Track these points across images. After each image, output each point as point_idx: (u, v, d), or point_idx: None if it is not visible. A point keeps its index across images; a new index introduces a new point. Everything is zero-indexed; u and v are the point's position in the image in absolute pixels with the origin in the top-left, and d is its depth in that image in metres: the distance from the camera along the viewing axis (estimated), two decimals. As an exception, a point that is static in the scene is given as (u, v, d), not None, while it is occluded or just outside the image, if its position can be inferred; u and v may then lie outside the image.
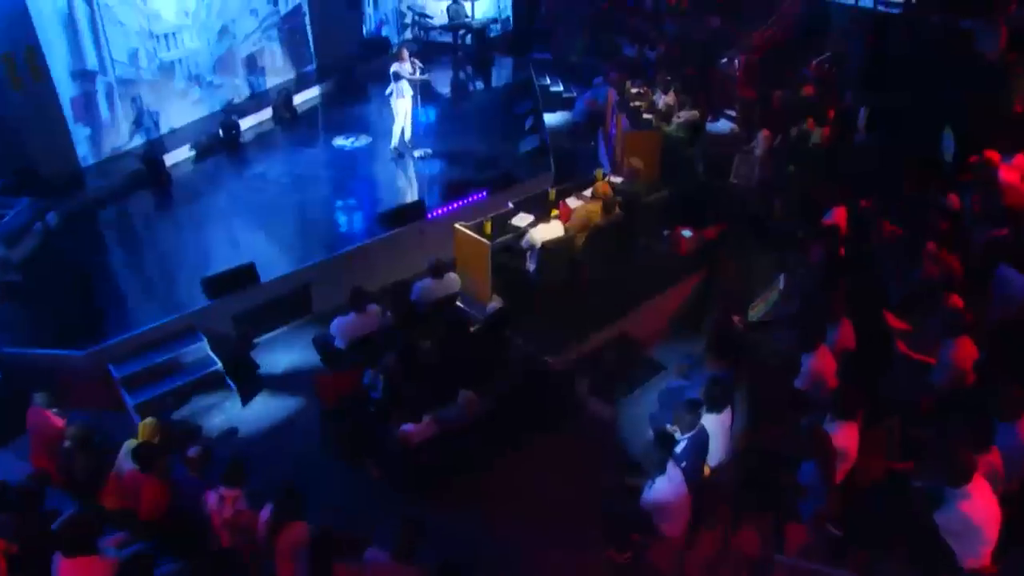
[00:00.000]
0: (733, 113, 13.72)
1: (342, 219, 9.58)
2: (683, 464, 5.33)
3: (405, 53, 10.49)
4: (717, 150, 11.14)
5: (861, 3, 12.09)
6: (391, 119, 10.91)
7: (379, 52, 15.70)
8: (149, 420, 5.57)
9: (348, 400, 6.56)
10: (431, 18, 16.43)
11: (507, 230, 7.61)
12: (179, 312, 7.61)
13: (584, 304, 7.63)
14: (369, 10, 16.03)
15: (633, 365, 7.44)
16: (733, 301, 8.09)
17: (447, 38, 16.57)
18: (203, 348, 7.50)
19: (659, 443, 5.32)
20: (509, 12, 18.09)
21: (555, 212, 7.76)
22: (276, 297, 8.12)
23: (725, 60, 14.54)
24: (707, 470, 5.71)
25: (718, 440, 5.65)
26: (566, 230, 7.49)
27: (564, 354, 7.11)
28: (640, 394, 7.22)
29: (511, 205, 8.08)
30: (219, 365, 7.42)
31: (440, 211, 9.11)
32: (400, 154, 11.03)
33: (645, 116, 10.90)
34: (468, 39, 16.51)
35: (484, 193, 9.53)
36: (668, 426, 5.72)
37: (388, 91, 10.58)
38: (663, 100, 11.26)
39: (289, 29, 13.98)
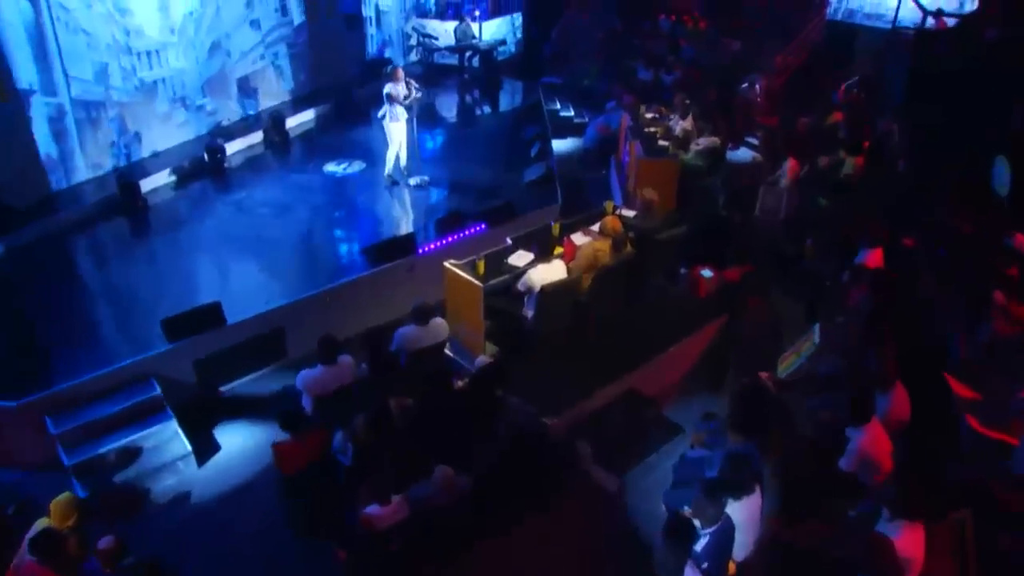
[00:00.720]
0: (754, 141, 12.85)
1: (325, 253, 8.73)
2: (704, 565, 4.36)
3: (400, 73, 9.71)
4: (739, 181, 10.24)
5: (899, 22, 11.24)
6: (386, 143, 10.11)
7: (381, 74, 15.03)
8: (63, 498, 4.65)
9: (315, 466, 5.64)
10: (436, 39, 15.74)
11: (503, 270, 6.71)
12: (133, 357, 6.75)
13: (589, 356, 6.70)
14: (372, 30, 15.37)
15: (644, 427, 6.47)
16: (759, 354, 7.14)
17: (453, 60, 15.87)
18: (157, 398, 6.62)
19: (674, 537, 4.36)
20: (519, 35, 17.41)
21: (558, 250, 6.86)
22: (245, 341, 7.25)
23: (745, 85, 13.71)
24: (732, 567, 4.74)
25: (746, 531, 4.67)
26: (570, 271, 6.58)
27: (565, 415, 6.17)
28: (653, 462, 6.25)
29: (509, 241, 7.19)
30: (174, 419, 6.54)
31: (433, 246, 8.24)
32: (394, 182, 10.20)
33: (661, 143, 10.02)
34: (475, 61, 15.80)
35: (483, 226, 8.65)
36: (686, 508, 4.76)
37: (380, 114, 9.79)
38: (680, 125, 10.39)
39: (288, 47, 13.30)
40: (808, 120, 11.53)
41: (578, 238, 7.11)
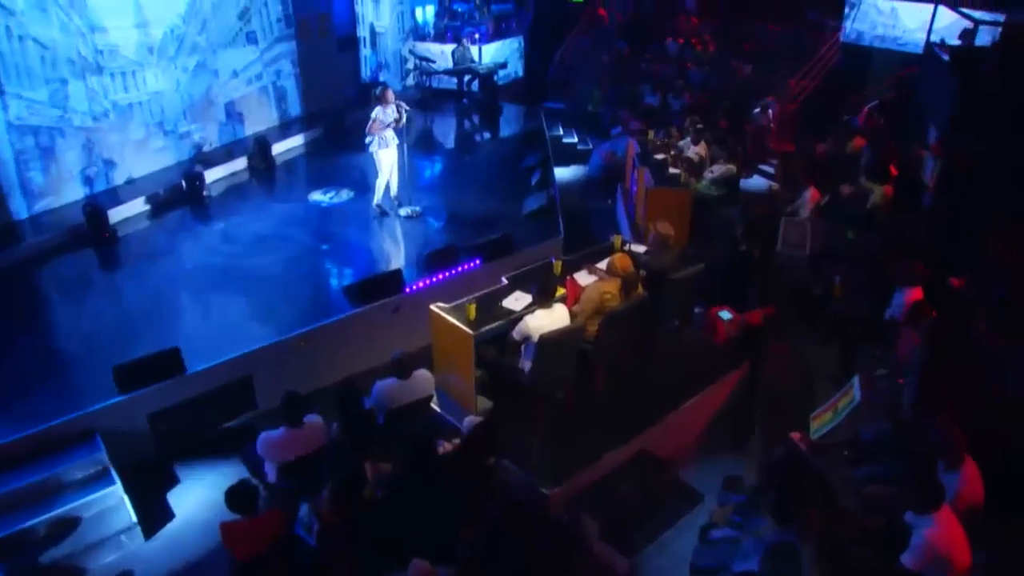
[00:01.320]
0: (768, 168, 12.14)
1: (303, 291, 7.89)
2: None
3: (390, 95, 8.98)
4: (755, 211, 9.49)
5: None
6: (374, 172, 9.38)
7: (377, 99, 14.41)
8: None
9: (276, 549, 4.79)
10: (434, 62, 15.10)
11: (498, 314, 5.90)
12: (77, 411, 5.93)
13: (595, 413, 5.87)
14: (366, 52, 14.74)
15: (659, 496, 5.63)
16: (787, 409, 6.31)
17: (452, 84, 15.23)
18: (100, 459, 5.78)
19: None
20: (520, 59, 16.81)
21: (560, 291, 6.06)
22: (208, 391, 6.44)
23: (758, 110, 13.04)
24: None
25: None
26: (573, 316, 5.77)
27: (567, 483, 5.33)
28: (669, 538, 5.40)
29: (505, 281, 6.39)
30: (118, 483, 5.69)
31: (422, 284, 7.45)
32: (384, 212, 9.44)
33: (672, 171, 9.28)
34: (474, 86, 15.15)
35: (478, 261, 7.88)
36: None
37: (368, 139, 9.06)
38: (693, 151, 9.66)
39: (290, 65, 12.72)
40: (827, 146, 10.83)
41: (582, 277, 6.31)
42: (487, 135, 14.17)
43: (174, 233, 9.40)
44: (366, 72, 14.84)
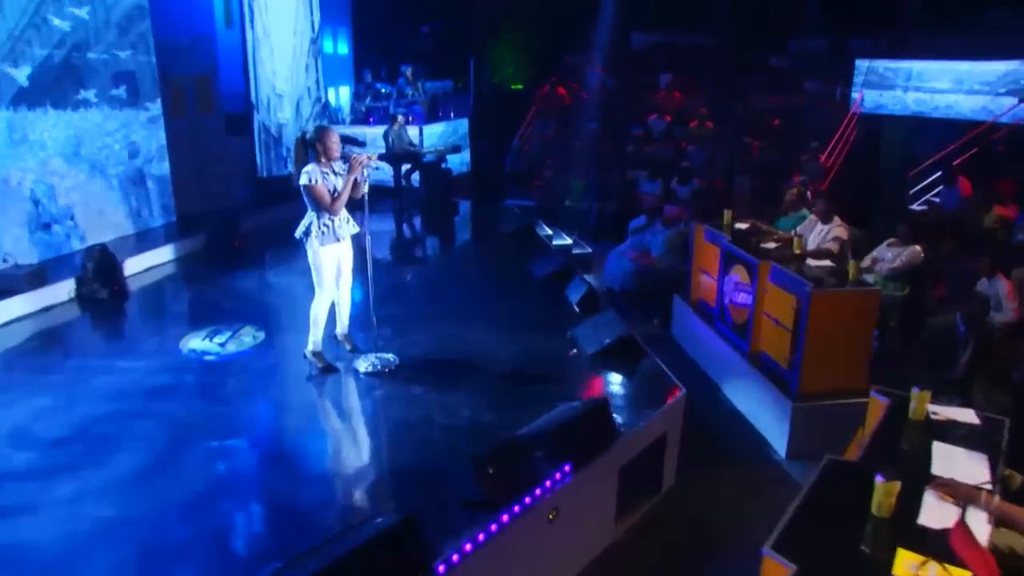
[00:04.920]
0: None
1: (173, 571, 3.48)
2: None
3: (334, 142, 4.98)
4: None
5: None
6: (304, 293, 5.22)
7: (283, 197, 10.34)
8: None
9: None
10: (363, 145, 11.24)
11: None
12: None
13: None
14: (264, 136, 10.74)
15: None
16: None
17: (386, 177, 11.38)
18: None
19: None
20: (465, 147, 13.29)
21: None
22: None
23: (794, 189, 9.99)
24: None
25: None
26: None
27: None
28: None
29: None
30: None
31: (467, 547, 3.20)
32: (327, 367, 5.19)
33: (812, 265, 5.73)
34: (414, 178, 11.37)
35: (566, 468, 3.74)
36: None
37: (301, 230, 4.98)
38: (832, 233, 6.07)
39: (131, 148, 8.42)
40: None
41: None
42: (434, 242, 10.26)
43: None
44: (265, 164, 10.79)
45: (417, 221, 10.70)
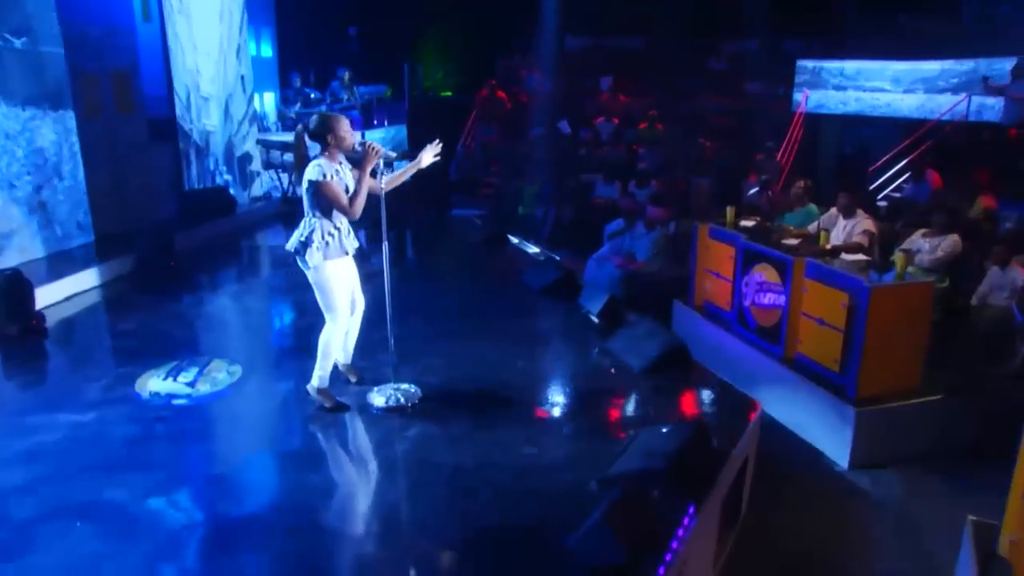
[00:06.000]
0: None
1: None
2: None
3: (346, 130, 4.11)
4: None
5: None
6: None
7: (223, 210, 9.27)
8: None
9: None
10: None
11: None
12: None
13: None
14: (186, 143, 9.53)
15: None
16: None
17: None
18: None
19: None
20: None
21: None
22: None
23: (755, 190, 9.86)
24: None
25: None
26: None
27: None
28: None
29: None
30: None
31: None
32: (335, 406, 4.30)
33: (847, 258, 5.36)
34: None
35: (689, 511, 3.08)
36: None
37: (300, 238, 4.09)
38: (861, 226, 5.71)
39: (34, 158, 7.11)
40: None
41: None
42: (406, 256, 9.37)
43: None
44: (194, 175, 9.56)
45: (360, 234, 9.75)
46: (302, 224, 4.11)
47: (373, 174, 4.14)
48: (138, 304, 6.53)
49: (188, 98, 9.17)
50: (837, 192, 6.15)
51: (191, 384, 4.70)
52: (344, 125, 4.09)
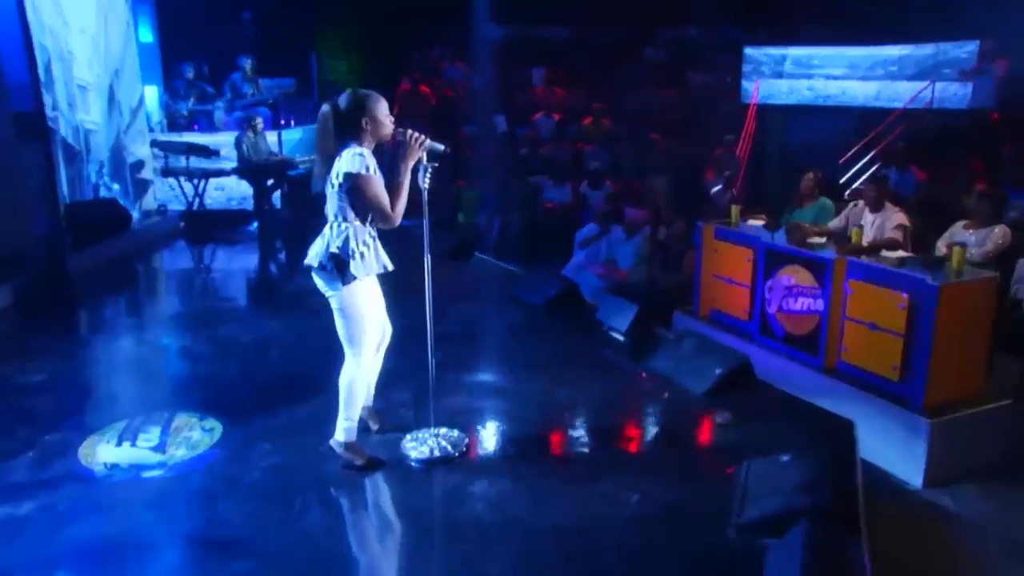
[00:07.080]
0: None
1: None
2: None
3: (384, 114, 3.14)
4: None
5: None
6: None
7: (116, 227, 7.81)
8: None
9: None
10: (217, 154, 8.85)
11: None
12: None
13: None
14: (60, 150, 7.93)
15: None
16: None
17: (242, 199, 9.09)
18: None
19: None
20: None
21: None
22: None
23: (719, 187, 9.58)
24: None
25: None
26: None
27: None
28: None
29: None
30: None
31: None
32: (368, 463, 3.22)
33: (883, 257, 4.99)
34: (275, 197, 9.21)
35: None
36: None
37: (329, 252, 3.09)
38: (894, 220, 5.33)
39: None
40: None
41: None
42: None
43: None
44: (64, 184, 7.95)
45: (280, 255, 8.58)
46: (328, 230, 3.13)
47: (414, 171, 3.25)
48: (36, 348, 5.06)
49: (60, 88, 7.63)
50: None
51: (159, 449, 3.53)
52: (384, 107, 3.16)
